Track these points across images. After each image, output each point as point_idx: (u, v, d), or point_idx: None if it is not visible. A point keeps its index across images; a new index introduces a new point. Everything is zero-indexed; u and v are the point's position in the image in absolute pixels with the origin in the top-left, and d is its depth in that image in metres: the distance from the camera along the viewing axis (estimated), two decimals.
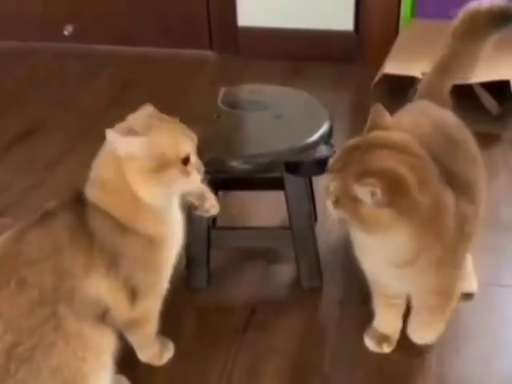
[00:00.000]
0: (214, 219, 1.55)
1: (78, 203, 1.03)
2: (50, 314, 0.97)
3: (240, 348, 1.26)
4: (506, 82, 1.84)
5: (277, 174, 1.29)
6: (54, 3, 2.59)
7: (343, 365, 1.22)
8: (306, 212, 1.32)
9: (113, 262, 1.02)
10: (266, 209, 1.66)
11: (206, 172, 1.24)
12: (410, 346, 1.22)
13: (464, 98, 1.96)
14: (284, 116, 1.33)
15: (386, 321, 1.24)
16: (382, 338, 1.23)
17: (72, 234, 1.00)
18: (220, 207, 1.60)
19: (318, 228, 1.55)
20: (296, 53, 2.45)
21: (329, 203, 1.02)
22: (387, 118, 1.05)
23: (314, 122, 1.30)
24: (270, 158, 1.24)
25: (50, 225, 1.01)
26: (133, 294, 1.06)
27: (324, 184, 1.03)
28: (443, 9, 2.27)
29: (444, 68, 1.32)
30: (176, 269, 1.44)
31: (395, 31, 2.30)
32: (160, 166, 0.99)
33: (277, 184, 1.35)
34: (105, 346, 1.03)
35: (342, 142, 1.87)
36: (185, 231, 1.12)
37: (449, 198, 1.02)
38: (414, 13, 2.30)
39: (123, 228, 1.02)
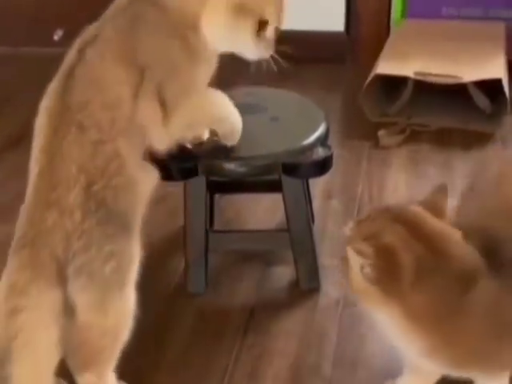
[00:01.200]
0: (211, 222, 1.55)
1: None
2: (113, 151, 1.01)
3: (240, 351, 1.26)
4: (498, 81, 1.85)
5: (274, 177, 1.29)
6: (43, 8, 2.57)
7: (344, 366, 1.22)
8: (304, 214, 1.32)
9: (146, 65, 1.03)
10: (263, 211, 1.66)
11: (204, 174, 1.25)
12: None
13: (458, 97, 1.99)
14: (280, 118, 1.33)
15: None
16: None
17: (113, 62, 1.01)
18: (216, 210, 1.61)
19: (315, 229, 1.56)
20: (288, 54, 2.44)
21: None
22: (446, 205, 0.90)
23: (310, 124, 1.30)
24: (268, 160, 1.23)
25: (94, 57, 1.03)
26: (164, 107, 1.06)
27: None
28: (434, 9, 2.29)
29: None
30: (173, 272, 1.45)
31: (386, 32, 2.31)
32: (242, 10, 1.04)
33: (274, 186, 1.35)
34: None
35: (334, 144, 1.89)
36: None
37: (478, 295, 0.84)
38: (405, 13, 2.31)
39: (171, 29, 1.04)
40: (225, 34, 1.07)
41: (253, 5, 1.05)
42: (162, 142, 1.09)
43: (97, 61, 1.03)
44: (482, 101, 1.97)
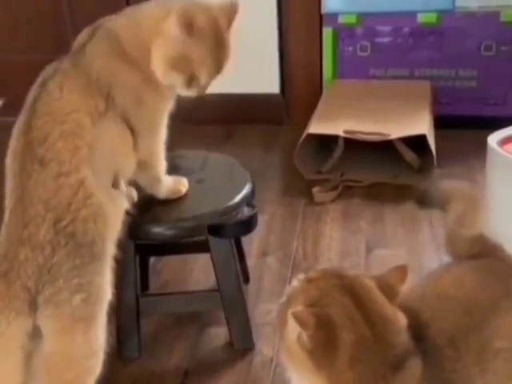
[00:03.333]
0: (146, 285, 1.55)
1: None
2: (76, 182, 1.05)
3: None
4: (423, 137, 1.94)
5: (203, 237, 1.31)
6: None
7: None
8: (233, 273, 1.34)
9: (109, 94, 1.09)
10: (200, 271, 1.67)
11: (132, 238, 1.27)
12: None
13: (388, 152, 2.07)
14: (207, 180, 1.36)
15: None
16: None
17: (70, 93, 1.08)
18: (153, 273, 1.62)
19: (250, 286, 1.58)
20: (227, 116, 2.51)
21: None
22: (400, 288, 0.87)
23: (235, 185, 1.34)
24: (194, 223, 1.26)
25: (53, 89, 1.08)
26: (133, 132, 1.14)
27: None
28: (362, 70, 2.41)
29: None
30: (107, 339, 1.43)
31: (319, 92, 2.40)
32: (176, 65, 1.13)
33: (206, 247, 1.36)
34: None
35: (271, 202, 1.94)
36: None
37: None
38: (336, 74, 2.41)
39: (130, 61, 1.12)
40: (163, 76, 1.16)
41: (186, 63, 1.14)
42: (131, 168, 1.17)
43: (56, 92, 1.08)
44: (409, 156, 2.06)
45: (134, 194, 1.26)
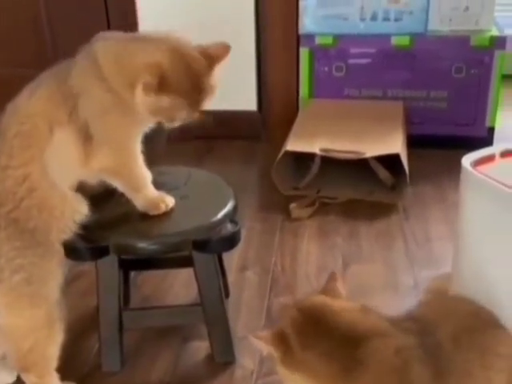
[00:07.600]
0: (127, 300, 1.57)
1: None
2: (22, 175, 1.13)
3: None
4: (397, 155, 2.01)
5: (187, 253, 1.34)
6: None
7: None
8: (215, 288, 1.36)
9: (74, 107, 1.14)
10: (180, 285, 1.69)
11: (117, 253, 1.29)
12: None
13: (363, 170, 2.13)
14: (190, 196, 1.39)
15: None
16: None
17: (39, 99, 1.15)
18: (133, 287, 1.63)
19: (231, 300, 1.61)
20: (206, 133, 2.54)
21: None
22: (339, 286, 1.09)
23: (219, 201, 1.37)
24: (178, 238, 1.28)
25: (26, 93, 1.17)
26: (89, 142, 1.16)
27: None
28: (337, 90, 2.48)
29: None
30: (89, 352, 1.45)
31: (296, 110, 2.46)
32: (153, 113, 1.18)
33: (188, 262, 1.39)
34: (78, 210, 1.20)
35: (249, 217, 1.97)
36: None
37: None
38: (312, 93, 2.47)
39: (101, 78, 1.15)
40: (146, 117, 1.20)
41: (163, 111, 1.17)
42: (87, 174, 1.21)
43: (26, 95, 1.17)
44: (383, 174, 2.12)
45: None
